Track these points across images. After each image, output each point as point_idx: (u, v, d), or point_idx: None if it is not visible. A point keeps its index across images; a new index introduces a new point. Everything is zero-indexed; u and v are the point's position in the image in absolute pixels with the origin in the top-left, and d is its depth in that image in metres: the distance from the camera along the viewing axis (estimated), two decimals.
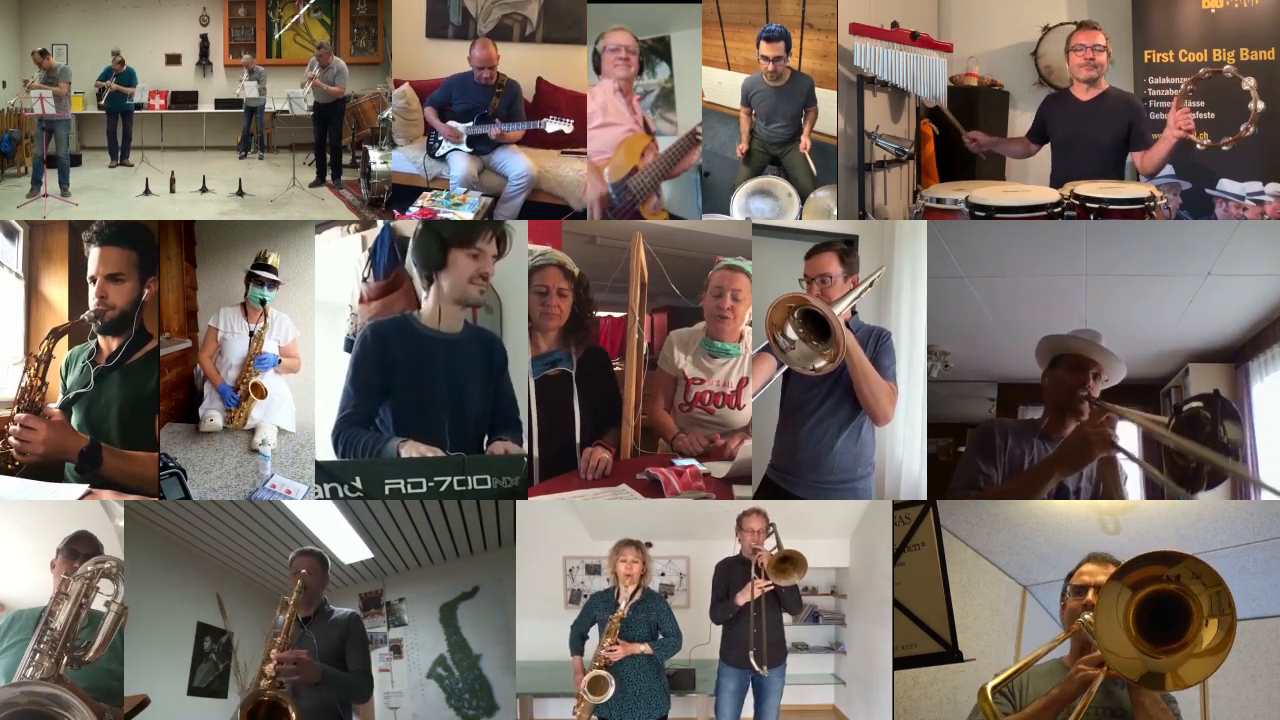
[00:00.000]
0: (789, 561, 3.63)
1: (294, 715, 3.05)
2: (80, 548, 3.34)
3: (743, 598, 3.69)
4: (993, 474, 3.43)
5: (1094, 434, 3.28)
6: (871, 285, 3.45)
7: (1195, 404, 3.45)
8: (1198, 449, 3.25)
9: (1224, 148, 4.26)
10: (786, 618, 3.85)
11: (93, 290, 3.39)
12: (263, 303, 3.93)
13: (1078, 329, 3.58)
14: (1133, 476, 3.54)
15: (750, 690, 3.80)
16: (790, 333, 3.08)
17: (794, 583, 3.68)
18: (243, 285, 3.98)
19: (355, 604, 4.93)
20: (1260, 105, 4.09)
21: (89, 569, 3.12)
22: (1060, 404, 3.46)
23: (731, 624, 3.76)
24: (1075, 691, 2.57)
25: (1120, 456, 3.34)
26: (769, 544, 3.68)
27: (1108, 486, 3.37)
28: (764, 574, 3.65)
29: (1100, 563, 2.82)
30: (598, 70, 4.38)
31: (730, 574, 3.78)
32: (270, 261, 3.94)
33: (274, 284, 3.94)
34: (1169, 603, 2.42)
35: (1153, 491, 3.70)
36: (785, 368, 3.25)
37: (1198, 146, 4.27)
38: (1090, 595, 2.72)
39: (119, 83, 6.52)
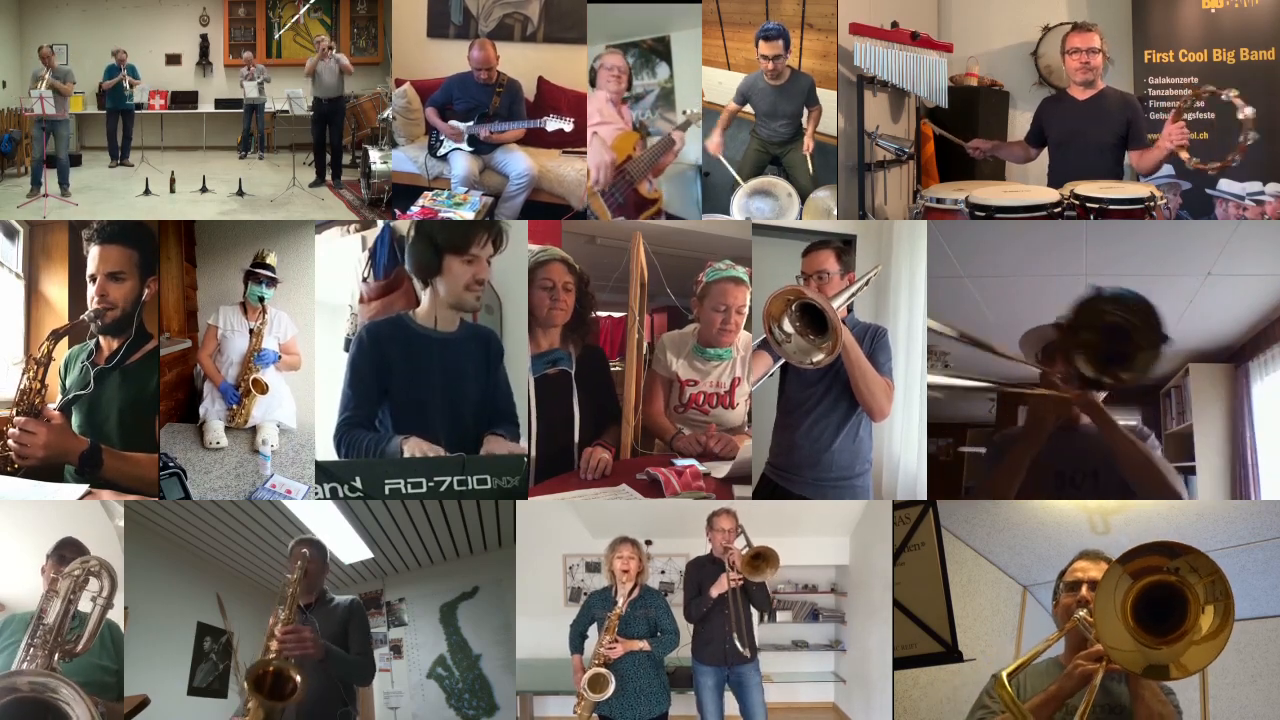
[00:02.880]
0: (761, 558, 3.62)
1: (299, 682, 3.05)
2: (68, 553, 3.35)
3: (716, 589, 3.68)
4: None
5: (1044, 401, 3.26)
6: (867, 283, 3.45)
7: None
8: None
9: (1210, 172, 4.26)
10: (783, 614, 3.85)
11: (92, 289, 3.39)
12: (261, 300, 3.94)
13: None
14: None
15: (730, 689, 3.80)
16: (787, 325, 3.07)
17: (765, 579, 3.67)
18: (242, 285, 3.99)
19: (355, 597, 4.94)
20: (1252, 137, 4.09)
21: (76, 568, 3.15)
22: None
23: (704, 621, 3.77)
24: (1075, 687, 2.57)
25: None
26: (739, 543, 3.68)
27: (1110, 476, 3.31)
28: (736, 569, 3.65)
29: (1092, 559, 2.83)
30: (592, 84, 4.55)
31: (701, 573, 3.78)
32: (268, 260, 3.95)
33: (272, 281, 3.95)
34: (1165, 594, 2.44)
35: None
36: (782, 361, 3.24)
37: (1186, 166, 4.26)
38: (1084, 591, 2.73)
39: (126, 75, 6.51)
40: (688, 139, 4.51)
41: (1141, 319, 3.05)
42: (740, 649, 3.66)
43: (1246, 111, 4.07)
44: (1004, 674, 2.65)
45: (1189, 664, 2.41)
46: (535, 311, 3.65)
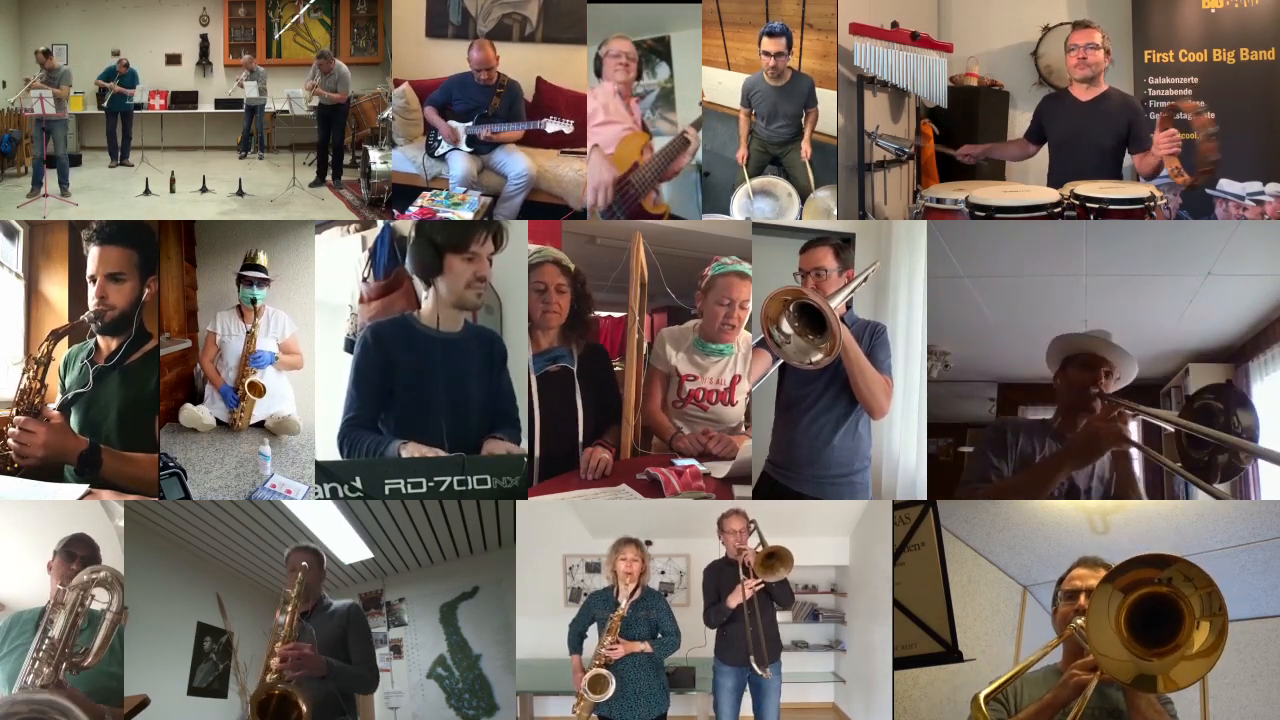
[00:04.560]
0: (775, 558, 3.62)
1: (304, 709, 3.05)
2: (77, 549, 3.35)
3: (734, 599, 3.68)
4: (1004, 469, 3.43)
5: (1104, 428, 3.27)
6: (866, 280, 3.44)
7: (1207, 397, 3.44)
8: (1215, 433, 3.26)
9: (1184, 186, 4.25)
10: (783, 615, 3.85)
11: (92, 290, 3.38)
12: (254, 301, 3.94)
13: (1092, 330, 3.59)
14: (1142, 476, 3.54)
15: (749, 688, 3.79)
16: (785, 327, 3.06)
17: (783, 578, 3.67)
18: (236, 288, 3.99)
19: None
20: (1213, 159, 4.08)
21: (84, 578, 3.14)
22: (1073, 403, 3.45)
23: (726, 623, 3.76)
24: (1069, 696, 2.56)
25: (1133, 454, 3.34)
26: (752, 542, 3.68)
27: (1121, 484, 3.35)
28: (752, 573, 3.65)
29: (1090, 566, 2.81)
30: (598, 74, 4.48)
31: (720, 577, 3.78)
32: (258, 261, 3.94)
33: (263, 282, 3.95)
34: (1160, 605, 2.42)
35: (1155, 490, 3.70)
36: (781, 362, 3.24)
37: (1170, 180, 4.24)
38: (1081, 600, 2.72)
39: (121, 84, 6.53)
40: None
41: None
42: (757, 669, 3.65)
43: (1208, 134, 4.06)
44: (980, 696, 2.65)
45: (1178, 678, 2.40)
46: (530, 314, 3.65)
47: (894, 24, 4.64)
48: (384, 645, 4.91)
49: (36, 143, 5.82)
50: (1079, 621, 2.60)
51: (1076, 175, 4.27)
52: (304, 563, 3.45)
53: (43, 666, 3.00)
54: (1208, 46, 4.93)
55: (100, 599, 3.15)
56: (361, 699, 3.99)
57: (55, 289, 3.85)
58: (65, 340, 3.44)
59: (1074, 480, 3.33)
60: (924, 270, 3.85)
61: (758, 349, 3.49)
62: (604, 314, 3.93)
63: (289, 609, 3.29)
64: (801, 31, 4.47)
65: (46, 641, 3.03)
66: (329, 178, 6.16)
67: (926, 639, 3.53)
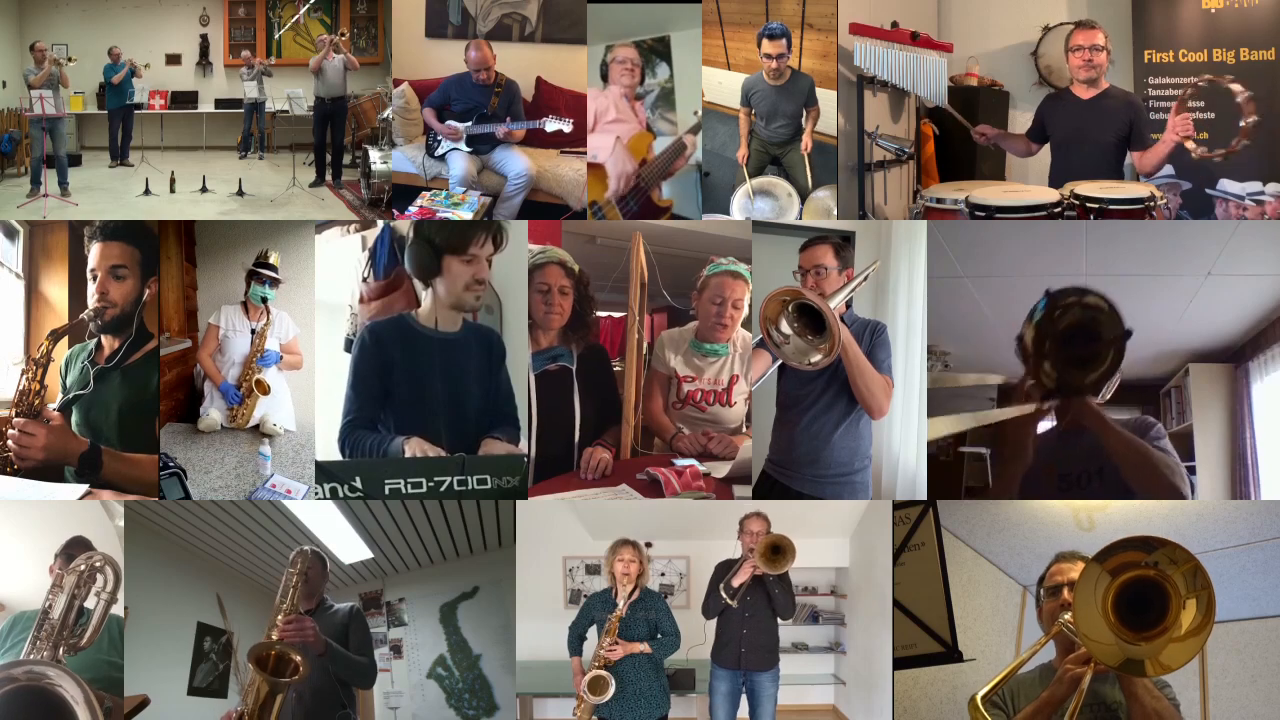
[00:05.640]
0: (779, 550, 3.62)
1: (300, 663, 3.04)
2: (77, 552, 3.34)
3: (738, 579, 3.69)
4: None
5: (1019, 419, 3.22)
6: (866, 279, 3.44)
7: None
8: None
9: (1216, 159, 4.26)
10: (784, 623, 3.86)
11: (92, 287, 3.37)
12: (264, 300, 3.94)
13: None
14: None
15: (745, 693, 3.79)
16: (785, 327, 3.06)
17: (784, 570, 3.66)
18: (243, 284, 3.99)
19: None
20: (1253, 119, 4.09)
21: (81, 564, 3.15)
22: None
23: (721, 623, 3.76)
24: (1066, 692, 2.56)
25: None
26: None
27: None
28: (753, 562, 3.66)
29: (1070, 560, 2.83)
30: (604, 79, 4.56)
31: (728, 574, 3.77)
32: (271, 260, 3.95)
33: (275, 282, 3.95)
34: (1147, 590, 2.42)
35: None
36: (781, 362, 3.24)
37: (1192, 155, 4.26)
38: (1065, 594, 2.72)
39: (124, 72, 6.51)
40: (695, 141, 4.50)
41: (1102, 312, 3.05)
42: (727, 599, 3.66)
43: (1244, 94, 4.07)
44: (978, 697, 2.65)
45: (1168, 661, 2.39)
46: (532, 314, 3.65)
47: (894, 24, 4.64)
48: (384, 645, 4.91)
49: (36, 143, 5.81)
50: (1067, 616, 2.61)
51: (1078, 174, 4.27)
52: (306, 551, 3.42)
53: (43, 647, 3.02)
54: (1208, 46, 4.94)
55: (96, 584, 3.16)
56: (362, 699, 4.00)
57: (55, 289, 3.85)
58: (65, 340, 3.44)
59: (1069, 474, 3.30)
60: (924, 270, 3.85)
61: (758, 349, 3.49)
62: (604, 314, 3.93)
63: (291, 585, 3.27)
64: (801, 31, 4.47)
65: (46, 624, 3.05)
66: (329, 178, 6.16)
67: (926, 639, 3.53)
